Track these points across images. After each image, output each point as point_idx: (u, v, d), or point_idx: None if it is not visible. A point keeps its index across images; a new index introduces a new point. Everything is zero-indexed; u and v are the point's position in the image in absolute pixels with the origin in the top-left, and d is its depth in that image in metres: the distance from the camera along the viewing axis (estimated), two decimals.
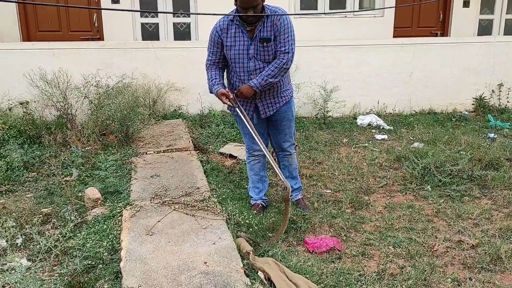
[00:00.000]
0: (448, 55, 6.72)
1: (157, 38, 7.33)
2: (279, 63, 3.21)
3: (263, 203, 3.66)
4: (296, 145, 3.73)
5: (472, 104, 6.89)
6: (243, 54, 3.26)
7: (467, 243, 3.12)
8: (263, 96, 3.37)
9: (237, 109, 3.36)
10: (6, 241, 3.05)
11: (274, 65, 3.22)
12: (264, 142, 3.62)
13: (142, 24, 7.32)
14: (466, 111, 6.85)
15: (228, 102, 3.31)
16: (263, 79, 3.22)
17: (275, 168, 3.28)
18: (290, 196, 3.68)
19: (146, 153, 4.66)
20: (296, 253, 3.00)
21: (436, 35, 8.12)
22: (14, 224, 3.23)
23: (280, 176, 3.26)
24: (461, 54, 6.75)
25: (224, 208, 3.37)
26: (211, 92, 3.41)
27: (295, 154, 3.69)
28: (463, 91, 6.85)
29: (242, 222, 3.21)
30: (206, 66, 3.43)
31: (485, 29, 8.31)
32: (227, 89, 3.35)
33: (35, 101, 5.28)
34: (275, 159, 4.25)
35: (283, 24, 3.19)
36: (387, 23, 7.70)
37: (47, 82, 5.11)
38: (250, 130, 3.34)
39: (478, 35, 8.09)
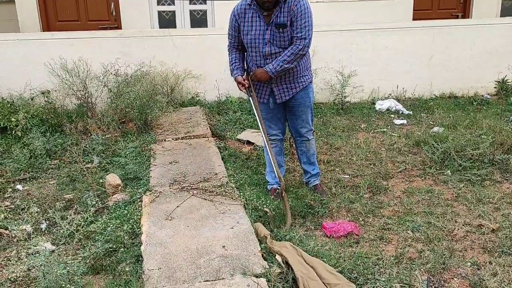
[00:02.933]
0: (469, 38, 6.56)
1: (174, 26, 7.35)
2: (295, 49, 3.19)
3: (279, 188, 3.67)
4: (313, 131, 3.72)
5: (494, 87, 6.73)
6: (259, 39, 3.26)
7: (488, 227, 3.08)
8: (279, 80, 3.37)
9: (250, 98, 3.43)
10: (31, 226, 3.15)
11: (290, 51, 3.20)
12: (281, 128, 3.65)
13: (159, 12, 7.34)
14: (488, 94, 6.70)
15: (244, 90, 3.39)
16: (279, 65, 3.21)
17: (272, 161, 3.38)
18: (308, 181, 3.72)
19: (165, 140, 4.71)
20: (314, 237, 3.01)
21: (457, 17, 7.93)
22: (38, 209, 3.34)
23: (275, 170, 3.35)
24: (483, 36, 6.58)
25: (241, 193, 3.40)
26: (232, 75, 3.48)
27: (313, 140, 3.68)
28: (484, 74, 6.69)
29: (259, 207, 3.23)
30: (227, 49, 3.50)
31: (508, 10, 8.07)
32: (244, 75, 3.42)
33: (56, 90, 5.37)
34: (292, 145, 4.26)
35: (300, 9, 3.16)
36: (406, 6, 7.55)
37: (68, 72, 5.19)
38: (257, 117, 3.41)
39: (500, 17, 7.87)
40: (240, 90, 3.43)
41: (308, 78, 3.48)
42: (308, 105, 3.51)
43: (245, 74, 3.46)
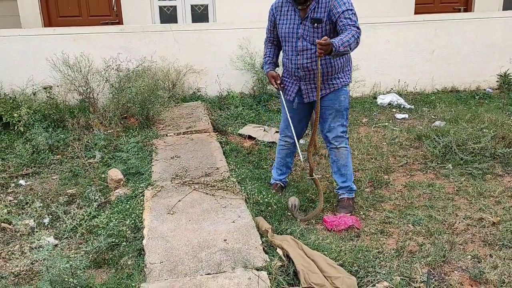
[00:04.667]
0: (471, 31, 6.54)
1: (175, 21, 7.34)
2: (354, 33, 2.83)
3: (281, 184, 3.67)
4: (346, 139, 3.36)
5: (496, 81, 6.71)
6: (292, 33, 3.18)
7: (488, 221, 3.09)
8: (307, 78, 3.22)
9: (280, 92, 3.39)
10: (34, 220, 3.17)
11: (352, 33, 2.83)
12: (298, 132, 3.45)
13: (160, 7, 7.33)
14: (490, 88, 6.69)
15: (275, 86, 3.34)
16: (343, 44, 2.77)
17: (300, 156, 3.30)
18: (337, 192, 3.44)
19: (166, 135, 4.72)
20: (315, 231, 3.03)
21: (459, 10, 7.90)
22: (41, 204, 3.36)
23: (301, 160, 3.28)
24: (485, 30, 6.56)
25: (243, 187, 3.42)
26: (262, 68, 3.46)
27: (345, 149, 3.32)
28: (487, 68, 6.68)
29: (261, 201, 3.24)
30: (264, 42, 3.48)
31: (510, 3, 8.03)
32: (277, 70, 3.38)
33: (58, 86, 5.38)
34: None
35: (341, 1, 2.97)
36: (408, 0, 7.52)
37: (69, 67, 5.20)
38: (287, 115, 3.32)
39: (503, 10, 7.83)
40: (271, 84, 3.35)
41: (342, 82, 3.21)
42: (339, 109, 3.22)
43: (277, 69, 3.41)
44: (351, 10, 2.95)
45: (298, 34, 3.15)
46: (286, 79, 3.35)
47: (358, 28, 2.90)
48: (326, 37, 2.74)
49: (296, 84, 3.30)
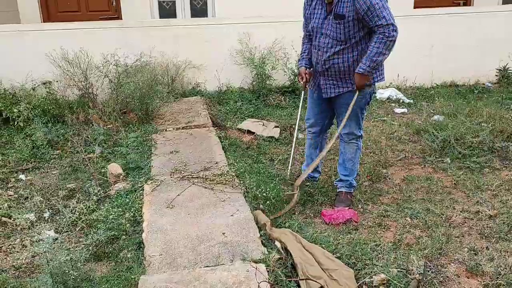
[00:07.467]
0: (470, 25, 6.53)
1: (174, 16, 7.33)
2: (381, 37, 2.89)
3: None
4: (357, 137, 3.38)
5: (496, 76, 6.71)
6: (317, 27, 3.15)
7: (485, 214, 3.11)
8: (326, 74, 3.19)
9: (308, 89, 3.41)
10: (34, 214, 3.20)
11: (377, 40, 2.90)
12: (319, 124, 3.48)
13: (159, 2, 7.32)
14: (489, 82, 6.69)
15: (301, 83, 3.33)
16: (369, 60, 2.94)
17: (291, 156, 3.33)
18: (336, 184, 3.50)
19: (166, 130, 4.74)
20: (313, 224, 3.05)
21: (458, 4, 7.88)
22: (41, 199, 3.38)
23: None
24: (485, 24, 6.55)
25: (242, 181, 3.43)
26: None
27: (354, 145, 3.36)
28: (486, 62, 6.67)
29: (259, 195, 3.26)
30: (302, 39, 3.43)
31: None
32: (308, 70, 3.34)
33: (57, 81, 5.39)
34: (291, 134, 4.25)
35: (364, 1, 2.89)
36: None
37: (69, 62, 5.21)
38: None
39: (502, 4, 7.81)
40: (299, 81, 3.33)
41: None
42: (352, 108, 3.20)
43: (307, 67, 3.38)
44: (380, 8, 2.87)
45: (322, 30, 3.11)
46: (314, 71, 3.34)
47: (388, 25, 2.89)
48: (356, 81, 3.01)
49: (317, 77, 3.30)
